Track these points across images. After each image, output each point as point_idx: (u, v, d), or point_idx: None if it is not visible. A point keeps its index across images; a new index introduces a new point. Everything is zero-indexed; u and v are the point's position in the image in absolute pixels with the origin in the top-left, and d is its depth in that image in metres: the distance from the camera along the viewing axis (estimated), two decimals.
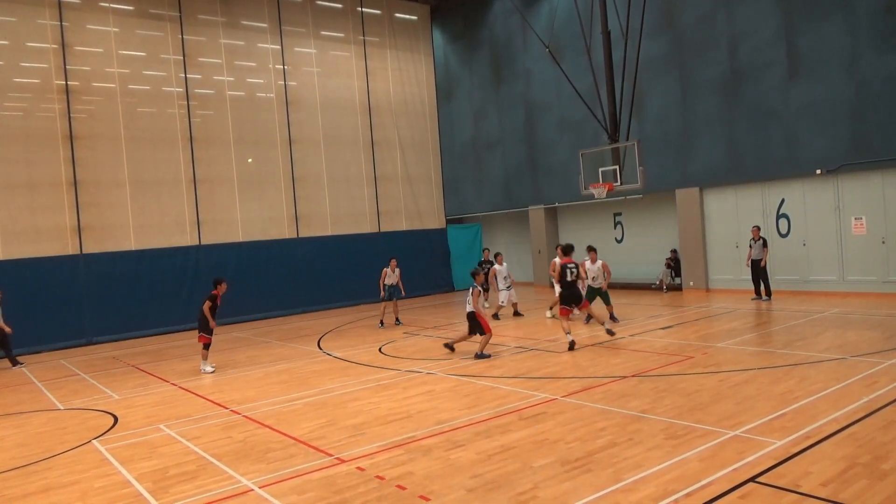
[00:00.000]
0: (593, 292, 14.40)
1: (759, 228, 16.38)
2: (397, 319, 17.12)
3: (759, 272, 16.20)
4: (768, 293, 16.28)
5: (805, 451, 5.98)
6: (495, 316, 16.34)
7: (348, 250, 22.51)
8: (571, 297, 12.23)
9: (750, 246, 16.39)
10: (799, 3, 16.48)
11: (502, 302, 16.51)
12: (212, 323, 12.06)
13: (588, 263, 14.57)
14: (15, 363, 14.79)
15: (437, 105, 25.97)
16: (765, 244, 16.16)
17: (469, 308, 11.72)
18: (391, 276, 16.78)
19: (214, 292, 12.21)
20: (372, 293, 17.03)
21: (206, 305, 12.06)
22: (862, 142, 15.58)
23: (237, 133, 20.67)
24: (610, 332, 12.14)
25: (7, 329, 14.47)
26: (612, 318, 14.46)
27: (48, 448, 7.94)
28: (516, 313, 16.72)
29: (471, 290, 11.74)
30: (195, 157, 19.80)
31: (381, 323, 16.87)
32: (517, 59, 24.57)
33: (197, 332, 12.41)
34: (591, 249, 14.74)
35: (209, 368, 12.22)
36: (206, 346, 12.24)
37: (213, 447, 7.43)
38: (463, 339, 12.17)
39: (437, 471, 6.14)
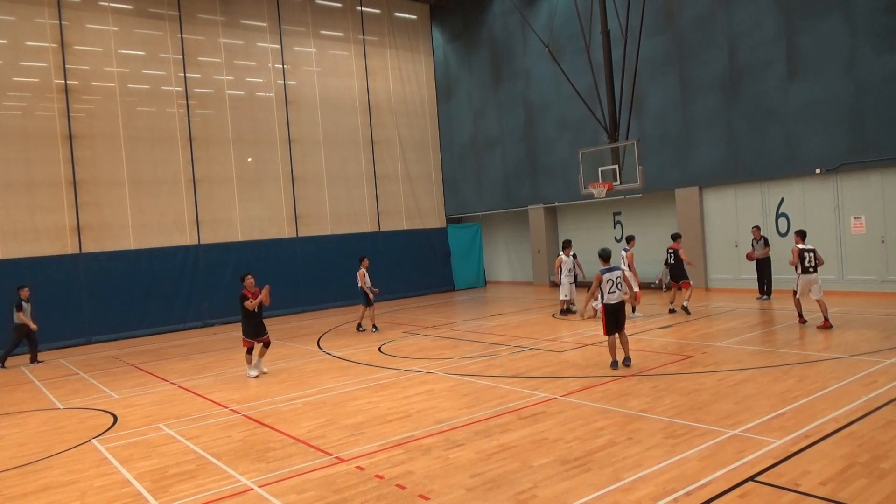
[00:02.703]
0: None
1: (759, 228, 16.38)
2: (373, 326, 16.04)
3: (761, 270, 16.19)
4: (769, 292, 16.28)
5: (804, 450, 5.98)
6: (567, 311, 15.90)
7: (348, 250, 22.47)
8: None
9: (752, 246, 16.40)
10: (798, 3, 16.48)
11: (565, 296, 15.86)
12: (258, 301, 11.14)
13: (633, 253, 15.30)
14: (35, 360, 14.94)
15: (436, 104, 25.96)
16: (766, 243, 16.15)
17: (619, 298, 10.00)
18: (367, 276, 15.61)
19: (244, 291, 11.19)
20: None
21: (247, 303, 11.09)
22: (861, 141, 15.59)
23: (236, 132, 20.65)
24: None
25: (33, 326, 14.57)
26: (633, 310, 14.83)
27: (47, 447, 7.94)
28: (569, 310, 16.00)
29: (619, 273, 10.07)
30: (194, 157, 19.79)
31: (360, 326, 16.01)
32: (516, 58, 24.57)
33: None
34: (630, 239, 15.49)
35: (253, 373, 11.30)
36: (249, 351, 11.33)
37: (212, 446, 7.43)
38: (626, 343, 10.15)
39: (437, 470, 6.14)
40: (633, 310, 14.77)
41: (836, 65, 15.88)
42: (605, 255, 10.46)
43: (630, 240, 15.35)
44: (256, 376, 11.26)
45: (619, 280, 9.97)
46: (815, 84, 16.27)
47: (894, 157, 15.03)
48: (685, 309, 14.68)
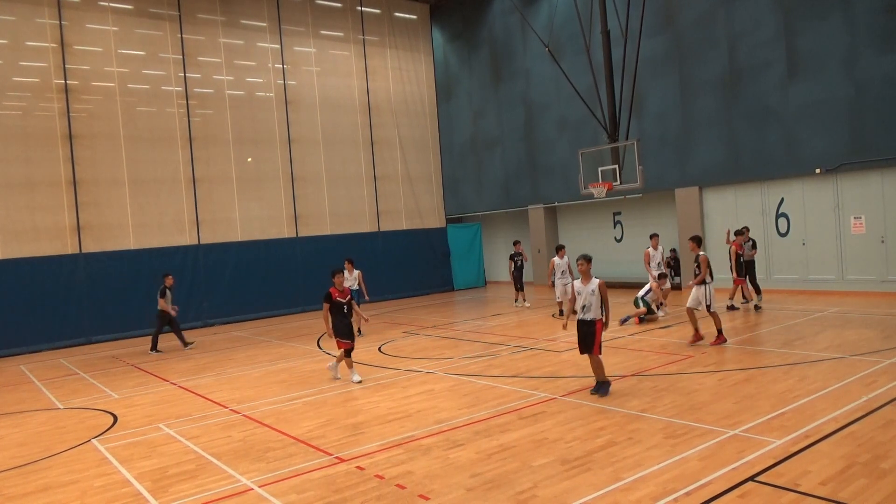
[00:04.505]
0: None
1: (748, 230, 15.62)
2: (359, 330, 15.17)
3: (751, 273, 15.61)
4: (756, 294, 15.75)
5: (804, 450, 5.98)
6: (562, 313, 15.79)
7: (348, 250, 22.43)
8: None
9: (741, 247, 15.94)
10: (798, 3, 16.48)
11: (559, 297, 15.89)
12: (327, 329, 10.16)
13: (651, 250, 14.98)
14: (185, 344, 15.30)
15: (436, 104, 25.96)
16: (754, 245, 15.58)
17: (589, 314, 8.40)
18: (349, 279, 14.89)
19: (332, 290, 10.22)
20: (370, 292, 16.75)
21: (325, 307, 10.17)
22: (861, 141, 15.58)
23: (236, 132, 20.64)
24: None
25: (172, 311, 14.93)
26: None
27: (48, 447, 7.94)
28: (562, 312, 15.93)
29: (597, 285, 8.37)
30: (194, 157, 19.78)
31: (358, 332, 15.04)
32: (516, 58, 24.57)
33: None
34: (653, 236, 15.23)
35: (356, 378, 10.18)
36: (347, 353, 10.25)
37: (212, 446, 7.43)
38: (598, 368, 8.56)
39: (437, 470, 6.14)
40: (659, 307, 14.61)
41: (836, 65, 15.88)
42: (590, 260, 8.66)
43: (654, 236, 15.16)
44: (360, 381, 10.12)
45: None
46: (815, 84, 16.27)
47: (894, 157, 15.03)
48: (732, 307, 14.80)
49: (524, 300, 18.84)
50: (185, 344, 15.32)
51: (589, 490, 5.43)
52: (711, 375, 9.04)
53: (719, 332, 11.15)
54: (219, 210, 20.25)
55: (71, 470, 6.99)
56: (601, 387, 8.44)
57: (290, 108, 21.81)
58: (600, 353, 8.46)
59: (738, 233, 15.07)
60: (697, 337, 11.21)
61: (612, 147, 16.86)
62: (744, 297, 15.36)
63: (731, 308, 14.87)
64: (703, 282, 11.19)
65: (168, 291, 14.97)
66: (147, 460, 7.11)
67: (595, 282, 8.39)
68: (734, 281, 14.99)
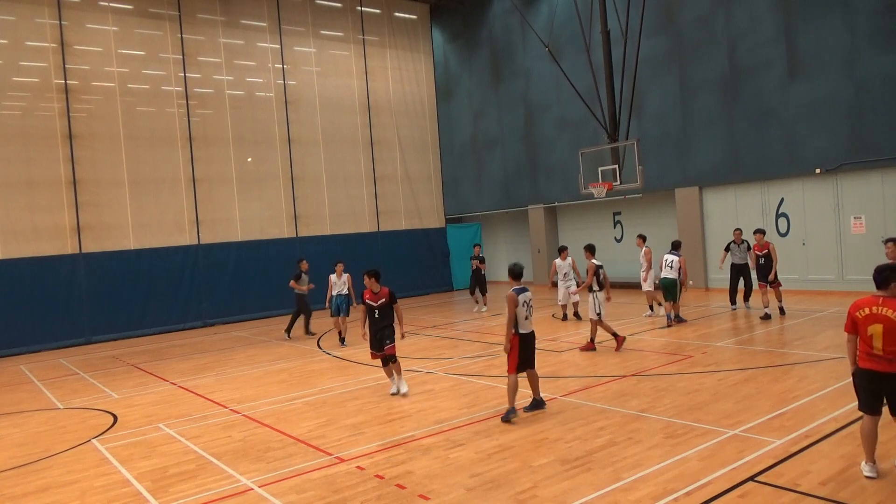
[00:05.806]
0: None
1: (741, 231, 15.06)
2: (342, 338, 14.28)
3: (745, 277, 14.80)
4: (746, 298, 15.07)
5: (804, 450, 5.99)
6: (566, 317, 15.39)
7: (347, 250, 22.46)
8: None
9: (727, 249, 14.88)
10: (798, 3, 16.48)
11: (560, 300, 15.41)
12: (363, 332, 9.38)
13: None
14: (309, 332, 15.97)
15: (436, 104, 25.96)
16: (748, 248, 14.66)
17: (531, 325, 7.84)
18: (338, 284, 14.36)
19: (364, 292, 9.30)
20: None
21: (362, 309, 9.44)
22: (861, 141, 15.59)
23: (236, 132, 20.64)
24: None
25: (304, 290, 15.43)
26: (678, 318, 13.78)
27: (47, 447, 7.94)
28: (576, 314, 15.40)
29: (531, 294, 7.87)
30: (194, 157, 19.78)
31: (342, 340, 14.28)
32: (516, 58, 24.58)
33: None
34: (640, 237, 15.41)
35: (391, 390, 9.29)
36: (383, 363, 9.27)
37: (212, 446, 7.43)
38: (536, 381, 8.01)
39: (437, 470, 6.15)
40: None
41: (836, 65, 15.88)
42: (516, 272, 7.97)
43: (678, 245, 14.14)
44: (395, 393, 9.19)
45: (531, 302, 7.82)
46: (815, 84, 16.27)
47: (894, 157, 15.03)
48: (781, 310, 13.72)
49: (481, 304, 18.73)
50: (309, 332, 15.78)
51: (589, 490, 5.43)
52: (711, 375, 9.04)
53: (591, 339, 11.43)
54: (219, 210, 20.24)
55: (71, 470, 6.99)
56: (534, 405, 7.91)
57: (290, 108, 21.81)
58: (513, 371, 7.63)
59: (756, 232, 14.15)
60: (617, 341, 11.30)
61: (612, 147, 16.85)
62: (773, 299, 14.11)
63: (783, 312, 13.79)
64: (589, 289, 11.46)
65: (304, 275, 15.29)
66: (147, 460, 7.11)
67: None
68: (760, 285, 13.89)
